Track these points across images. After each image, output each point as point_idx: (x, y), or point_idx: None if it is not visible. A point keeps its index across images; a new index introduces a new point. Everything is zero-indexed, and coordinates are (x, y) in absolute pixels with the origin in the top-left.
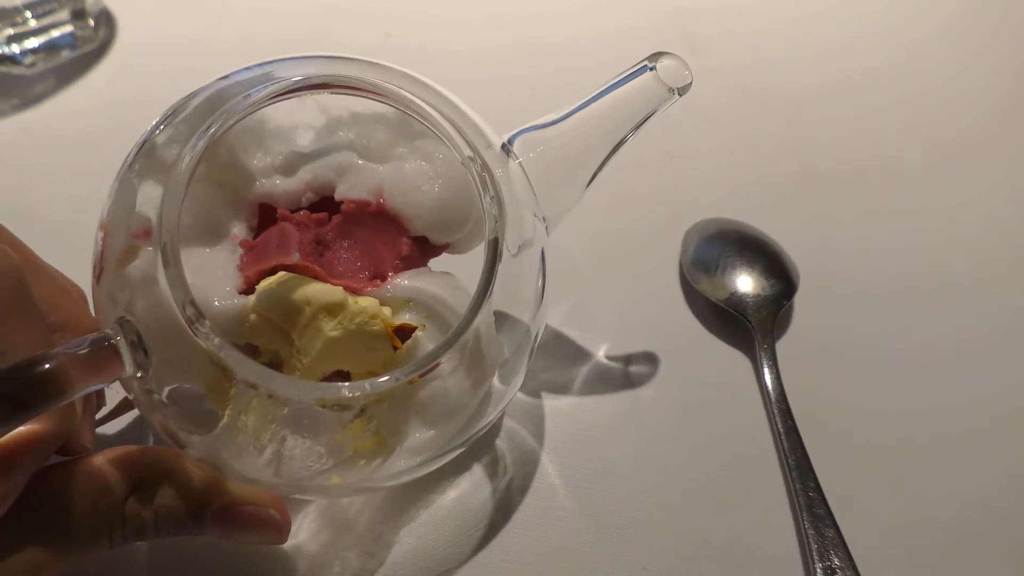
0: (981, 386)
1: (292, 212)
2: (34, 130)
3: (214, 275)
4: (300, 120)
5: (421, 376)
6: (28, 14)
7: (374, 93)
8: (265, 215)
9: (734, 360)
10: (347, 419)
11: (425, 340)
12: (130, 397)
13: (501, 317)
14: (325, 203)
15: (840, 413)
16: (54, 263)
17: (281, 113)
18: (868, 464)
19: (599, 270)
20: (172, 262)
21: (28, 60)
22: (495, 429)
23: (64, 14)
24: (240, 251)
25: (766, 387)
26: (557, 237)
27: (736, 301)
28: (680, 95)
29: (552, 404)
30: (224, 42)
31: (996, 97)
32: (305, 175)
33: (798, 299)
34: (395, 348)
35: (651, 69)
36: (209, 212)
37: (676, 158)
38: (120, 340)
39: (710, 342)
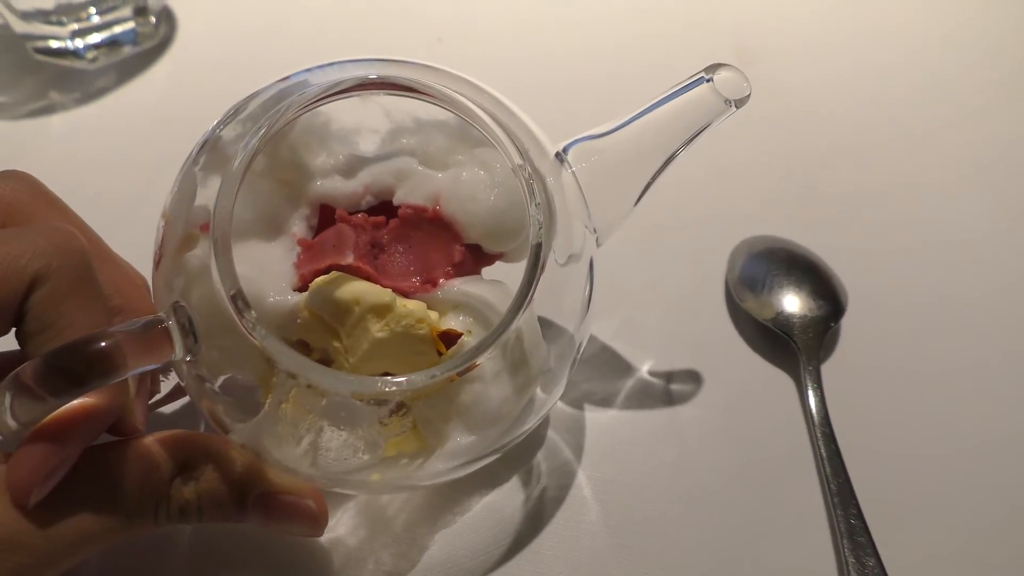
0: None
1: (351, 214)
2: (95, 123)
3: (271, 270)
4: (363, 123)
5: (460, 375)
6: (92, 10)
7: (425, 94)
8: (325, 215)
9: (778, 381)
10: (384, 414)
11: (470, 345)
12: (182, 383)
13: (546, 325)
14: (383, 207)
15: (885, 440)
16: (117, 250)
17: (345, 115)
18: (913, 493)
19: (645, 284)
20: (223, 253)
21: (90, 55)
22: (534, 437)
23: (126, 11)
24: (297, 249)
25: (810, 410)
26: (605, 249)
27: (782, 321)
28: (737, 107)
29: (592, 416)
30: (280, 43)
31: None
32: (365, 178)
33: (846, 321)
34: (440, 353)
35: (708, 80)
36: (271, 208)
37: (726, 173)
38: (172, 324)
39: (754, 362)
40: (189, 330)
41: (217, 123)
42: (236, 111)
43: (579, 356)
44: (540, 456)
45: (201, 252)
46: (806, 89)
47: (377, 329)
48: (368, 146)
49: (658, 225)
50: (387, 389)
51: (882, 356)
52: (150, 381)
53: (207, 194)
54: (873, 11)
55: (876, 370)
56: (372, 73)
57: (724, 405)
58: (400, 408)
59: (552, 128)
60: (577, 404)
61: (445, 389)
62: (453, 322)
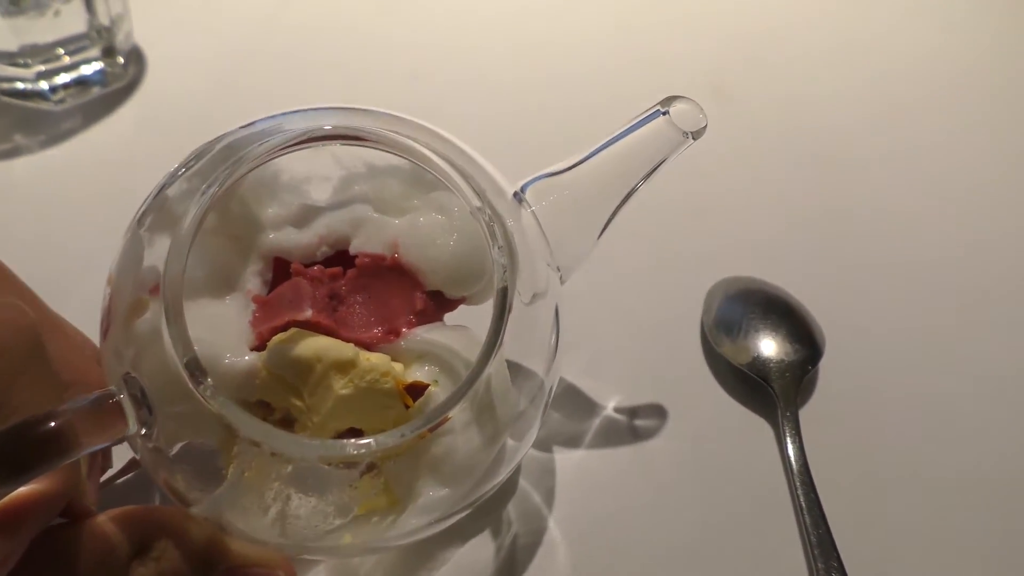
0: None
1: (306, 266)
2: (60, 168)
3: (226, 331)
4: (315, 172)
5: (431, 431)
6: (60, 51)
7: (379, 143)
8: (279, 269)
9: (756, 427)
10: (354, 477)
11: (438, 396)
12: (136, 457)
13: (514, 369)
14: (340, 257)
15: (866, 487)
16: (72, 309)
17: (296, 165)
18: (896, 544)
19: (619, 327)
20: (175, 318)
21: (57, 96)
22: (508, 486)
23: (95, 51)
24: (253, 306)
25: (788, 459)
26: (576, 290)
27: (759, 366)
28: (694, 139)
29: (563, 461)
30: (251, 82)
31: None
32: (319, 228)
33: (823, 365)
34: (407, 406)
35: (664, 113)
36: (222, 265)
37: (700, 213)
38: (124, 397)
39: (731, 408)
40: (142, 402)
41: (163, 181)
42: (186, 165)
43: (550, 399)
44: (511, 505)
45: (151, 317)
46: (783, 127)
47: (341, 386)
48: (320, 195)
49: (632, 267)
50: (356, 452)
51: (861, 399)
52: (101, 457)
53: (155, 255)
54: (849, 47)
55: (855, 414)
56: (334, 122)
57: (699, 452)
58: (370, 468)
59: (527, 166)
60: (547, 449)
61: (415, 446)
62: (419, 373)
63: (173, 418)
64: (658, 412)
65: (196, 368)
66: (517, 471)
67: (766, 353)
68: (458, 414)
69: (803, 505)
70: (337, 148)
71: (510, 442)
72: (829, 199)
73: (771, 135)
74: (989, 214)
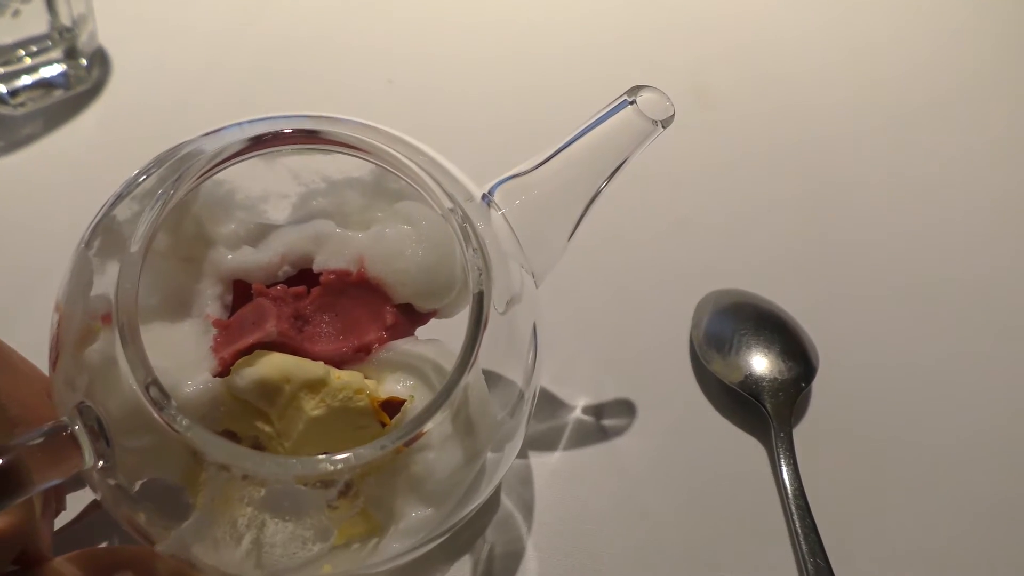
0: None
1: (268, 287)
2: (18, 176)
3: (185, 358)
4: (272, 190)
5: (407, 444)
6: (20, 52)
7: (339, 145)
8: (240, 292)
9: (748, 448)
10: (331, 496)
11: (415, 411)
12: (97, 496)
13: (493, 379)
14: (303, 276)
15: (865, 512)
16: (23, 335)
17: (250, 182)
18: (897, 572)
19: (605, 341)
20: (131, 341)
21: (17, 100)
22: (489, 505)
23: (57, 53)
24: (213, 331)
25: (783, 482)
26: (560, 303)
27: (751, 384)
28: (664, 127)
29: (547, 485)
30: (221, 86)
31: None
32: (280, 247)
33: (817, 382)
34: (383, 424)
35: (631, 103)
36: (179, 290)
37: (688, 222)
38: (78, 428)
39: (722, 427)
40: (99, 433)
41: (112, 197)
42: (129, 186)
43: (532, 409)
44: (491, 531)
45: (104, 345)
46: (773, 133)
47: (312, 407)
48: (279, 214)
49: (616, 280)
50: (333, 468)
51: (857, 418)
52: (55, 498)
53: (105, 281)
54: (840, 53)
55: (851, 434)
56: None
57: (691, 475)
58: (348, 489)
59: (505, 168)
60: (528, 471)
61: (394, 462)
62: (394, 389)
63: (133, 449)
64: (647, 432)
65: (158, 391)
66: (498, 489)
67: (758, 371)
68: (437, 427)
69: (799, 531)
70: (293, 162)
71: (492, 456)
72: (821, 209)
73: (760, 142)
74: (986, 226)
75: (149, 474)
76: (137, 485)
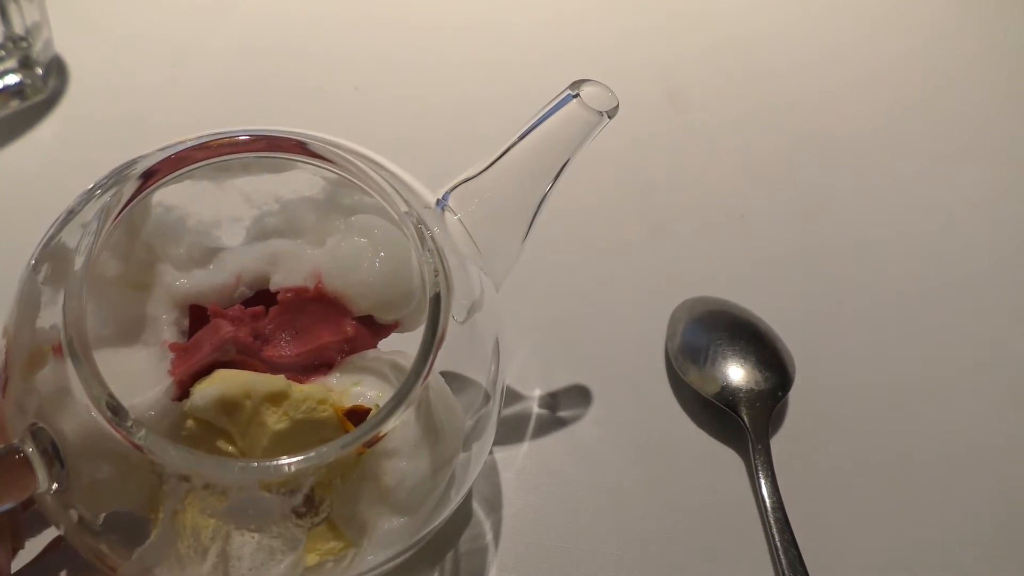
0: (998, 496)
1: (225, 309)
2: None
3: (143, 384)
4: (223, 213)
5: (369, 445)
6: None
7: (290, 151)
8: (197, 316)
9: (726, 459)
10: (296, 503)
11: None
12: (55, 525)
13: (458, 383)
14: (261, 297)
15: (843, 523)
16: None
17: (201, 207)
18: None
19: (578, 354)
20: (83, 359)
21: None
22: (461, 521)
23: (11, 62)
24: (170, 355)
25: (762, 495)
26: (532, 314)
27: (728, 396)
28: (610, 117)
29: (522, 503)
30: (184, 95)
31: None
32: (236, 269)
33: (794, 392)
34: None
35: (575, 96)
36: (132, 319)
37: (661, 229)
38: (31, 451)
39: (700, 439)
40: (53, 455)
41: (60, 219)
42: (81, 202)
43: (500, 409)
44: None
45: (54, 369)
46: (746, 135)
47: (275, 421)
48: (233, 238)
49: (590, 288)
50: (295, 468)
51: (834, 427)
52: (11, 534)
53: (56, 312)
54: (813, 51)
55: (828, 444)
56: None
57: (670, 489)
58: (314, 500)
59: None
60: (498, 484)
61: (360, 471)
62: (357, 398)
63: (88, 473)
64: (624, 446)
65: (114, 405)
66: (469, 497)
67: (735, 382)
68: (401, 431)
69: (778, 545)
70: (243, 184)
71: (461, 461)
72: (797, 215)
73: (735, 147)
74: (966, 237)
75: (107, 496)
76: (95, 508)
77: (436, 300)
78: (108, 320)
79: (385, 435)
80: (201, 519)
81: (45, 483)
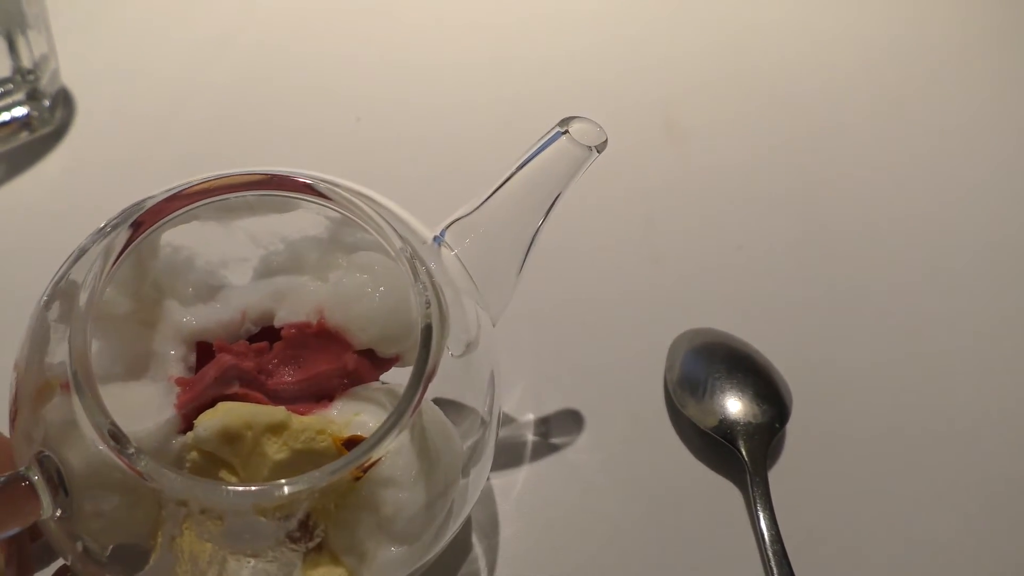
0: (1000, 530)
1: (231, 344)
2: None
3: (149, 418)
4: (230, 254)
5: (363, 470)
6: None
7: (292, 188)
8: (203, 353)
9: (724, 492)
10: (292, 527)
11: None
12: (62, 555)
13: (454, 411)
14: (266, 334)
15: (842, 555)
16: None
17: (208, 248)
18: None
19: (577, 382)
20: (86, 388)
21: None
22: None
23: (19, 95)
24: (176, 390)
25: (760, 527)
26: (532, 345)
27: (726, 429)
28: (599, 152)
29: (516, 533)
30: (188, 128)
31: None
32: (241, 306)
33: (792, 424)
34: None
35: (564, 133)
36: (141, 356)
37: (659, 260)
38: (37, 479)
39: (698, 472)
40: (58, 484)
41: (72, 257)
42: (92, 240)
43: (497, 437)
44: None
45: (61, 403)
46: (741, 169)
47: (275, 451)
48: (239, 277)
49: (589, 319)
50: (289, 491)
51: (831, 459)
52: (19, 564)
53: (64, 348)
54: (809, 82)
55: (826, 475)
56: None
57: (669, 521)
58: (306, 531)
59: None
60: (495, 513)
61: (357, 499)
62: (358, 429)
63: (92, 502)
64: (622, 476)
65: (117, 433)
66: (468, 527)
67: (733, 415)
68: (397, 459)
69: None
70: (249, 225)
71: (459, 489)
72: (793, 246)
73: (732, 178)
74: (965, 273)
75: (110, 525)
76: (98, 536)
77: (427, 330)
78: (118, 357)
79: (378, 461)
80: (198, 544)
81: (49, 510)
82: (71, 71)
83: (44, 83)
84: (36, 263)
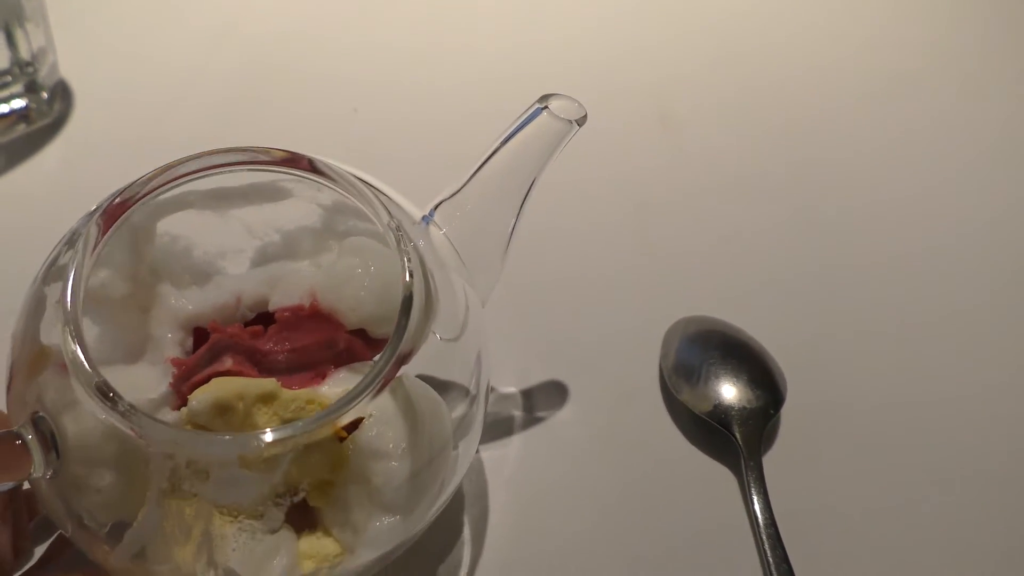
0: (991, 512)
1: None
2: None
3: (146, 397)
4: (227, 244)
5: (350, 429)
6: None
7: (286, 165)
8: (200, 339)
9: (718, 477)
10: (276, 479)
11: (372, 425)
12: (59, 527)
13: (443, 388)
14: (261, 319)
15: (835, 540)
16: None
17: (205, 238)
18: None
19: (573, 369)
20: (76, 342)
21: None
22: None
23: (17, 87)
24: (172, 370)
25: (754, 511)
26: (527, 333)
27: (720, 414)
28: (580, 125)
29: (510, 513)
30: (186, 120)
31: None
32: (237, 292)
33: (786, 409)
34: (340, 437)
35: (545, 108)
36: (139, 341)
37: (655, 248)
38: (31, 438)
39: (693, 456)
40: (51, 445)
41: (65, 237)
42: (73, 233)
43: (486, 409)
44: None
45: (55, 368)
46: (735, 157)
47: (266, 420)
48: (236, 268)
49: (585, 307)
50: (272, 438)
51: (824, 444)
52: (12, 514)
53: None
54: (805, 71)
55: (819, 460)
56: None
57: (664, 506)
58: (290, 486)
59: None
60: (486, 500)
61: (350, 476)
62: None
63: (83, 464)
64: (617, 461)
65: (104, 386)
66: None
67: (727, 400)
68: (384, 428)
69: (770, 561)
70: (245, 215)
71: (448, 459)
72: (787, 234)
73: (726, 166)
74: (958, 256)
75: (99, 484)
76: (88, 497)
77: (408, 299)
78: (117, 342)
79: (363, 423)
80: (185, 499)
81: (40, 468)
82: (69, 64)
83: (42, 75)
84: (33, 253)
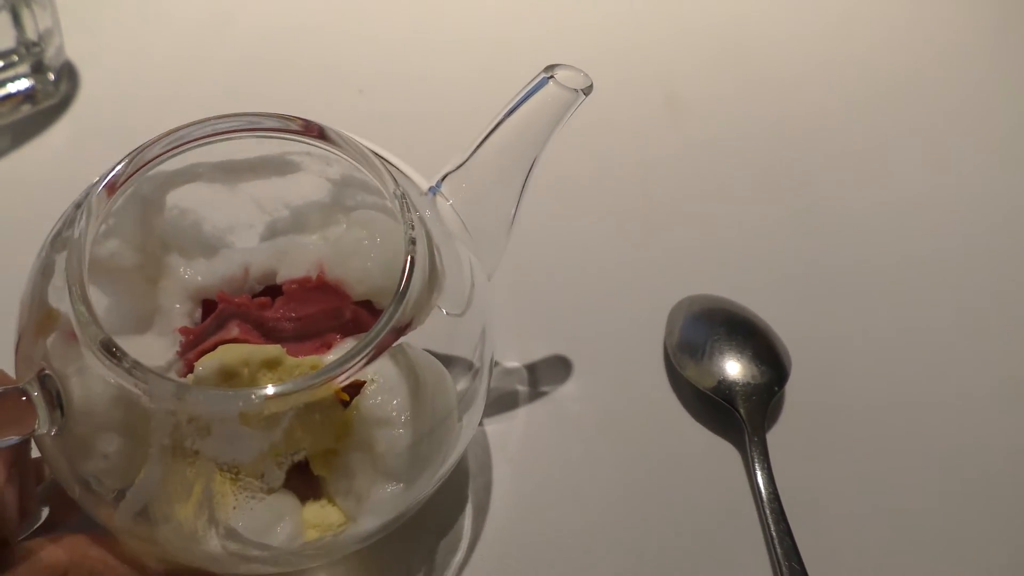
0: (994, 490)
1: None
2: None
3: (153, 365)
4: (236, 219)
5: (350, 392)
6: None
7: (297, 132)
8: (208, 310)
9: (722, 452)
10: (275, 437)
11: (376, 392)
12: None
13: (446, 360)
14: (268, 290)
15: (838, 515)
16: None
17: (215, 212)
18: (867, 570)
19: (579, 346)
20: (81, 301)
21: None
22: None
23: (24, 67)
24: (180, 338)
25: (758, 486)
26: (532, 310)
27: (724, 390)
28: (586, 95)
29: (515, 490)
30: (191, 99)
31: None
32: (245, 264)
33: (790, 386)
34: (344, 402)
35: (551, 78)
36: (148, 311)
37: (660, 228)
38: (37, 394)
39: (696, 432)
40: (56, 402)
41: (64, 214)
42: (78, 205)
43: (489, 382)
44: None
45: (61, 328)
46: (741, 139)
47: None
48: (244, 241)
49: (592, 288)
50: (272, 392)
51: (829, 421)
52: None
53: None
54: (814, 56)
55: (824, 437)
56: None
57: (668, 482)
58: (289, 444)
59: None
60: (490, 479)
61: (354, 444)
62: None
63: (87, 422)
64: (622, 438)
65: (108, 342)
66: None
67: (731, 376)
68: (388, 396)
69: (774, 535)
70: (255, 190)
71: (451, 430)
72: (791, 213)
73: (732, 148)
74: (962, 233)
75: (103, 440)
76: (91, 455)
77: (411, 263)
78: (127, 313)
79: (365, 386)
80: (187, 456)
81: (45, 425)
82: (75, 45)
83: (49, 56)
84: (40, 232)
